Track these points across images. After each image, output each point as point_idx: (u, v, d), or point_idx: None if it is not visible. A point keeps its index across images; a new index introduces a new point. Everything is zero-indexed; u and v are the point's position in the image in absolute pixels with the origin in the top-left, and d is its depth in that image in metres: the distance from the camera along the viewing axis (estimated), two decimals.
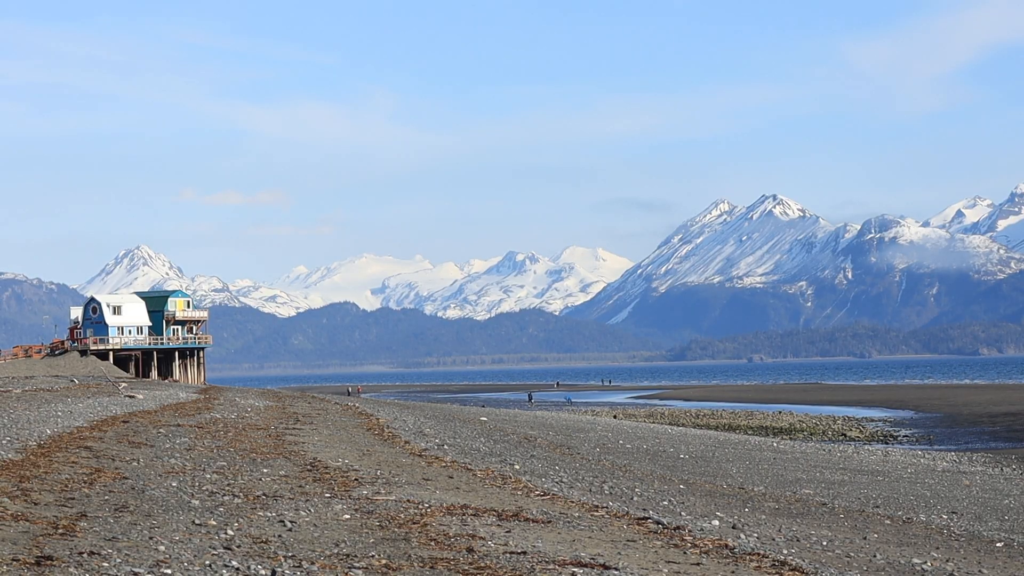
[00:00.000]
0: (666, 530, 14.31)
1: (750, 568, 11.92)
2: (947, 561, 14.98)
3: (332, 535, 11.94)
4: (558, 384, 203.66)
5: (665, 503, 18.84)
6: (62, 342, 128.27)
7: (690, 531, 14.46)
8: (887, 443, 55.63)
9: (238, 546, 10.99)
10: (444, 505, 14.74)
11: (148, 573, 9.50)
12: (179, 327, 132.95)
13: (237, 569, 9.92)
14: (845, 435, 60.12)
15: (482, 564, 10.76)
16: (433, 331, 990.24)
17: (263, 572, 9.90)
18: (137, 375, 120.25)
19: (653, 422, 66.95)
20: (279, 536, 11.72)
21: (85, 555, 9.91)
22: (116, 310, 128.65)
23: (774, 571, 11.92)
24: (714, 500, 20.43)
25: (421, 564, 10.61)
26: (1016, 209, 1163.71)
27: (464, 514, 14.06)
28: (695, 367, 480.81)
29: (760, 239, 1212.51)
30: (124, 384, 60.79)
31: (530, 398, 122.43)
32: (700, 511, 17.89)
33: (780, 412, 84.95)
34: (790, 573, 11.91)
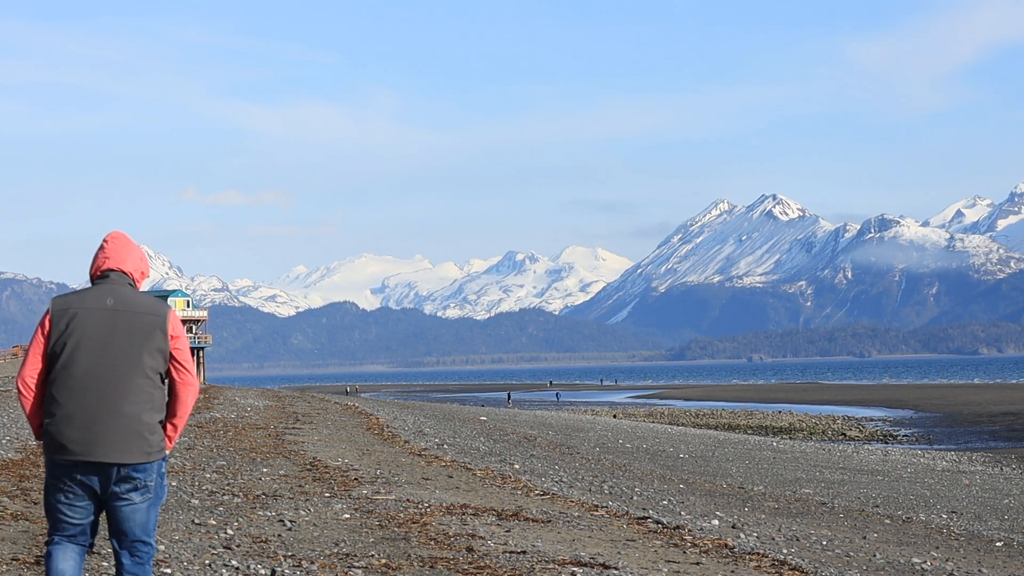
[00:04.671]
0: (666, 529, 14.29)
1: (750, 567, 11.90)
2: (947, 560, 14.97)
3: (332, 535, 11.94)
4: (551, 383, 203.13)
5: (665, 502, 18.82)
6: None
7: (690, 530, 14.45)
8: (887, 443, 55.61)
9: (238, 545, 10.98)
10: (444, 504, 14.73)
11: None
12: None
13: (237, 568, 9.92)
14: (845, 435, 60.09)
15: (482, 564, 10.74)
16: (433, 331, 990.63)
17: (263, 572, 9.90)
18: None
19: (653, 422, 66.91)
20: (279, 536, 11.71)
21: None
22: None
23: (774, 570, 11.90)
24: (714, 500, 20.41)
25: (421, 564, 10.60)
26: (1016, 209, 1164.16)
27: (464, 513, 14.05)
28: (695, 367, 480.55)
29: (760, 239, 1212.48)
30: None
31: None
32: (700, 510, 17.87)
33: (780, 412, 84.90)
34: (790, 572, 11.89)
